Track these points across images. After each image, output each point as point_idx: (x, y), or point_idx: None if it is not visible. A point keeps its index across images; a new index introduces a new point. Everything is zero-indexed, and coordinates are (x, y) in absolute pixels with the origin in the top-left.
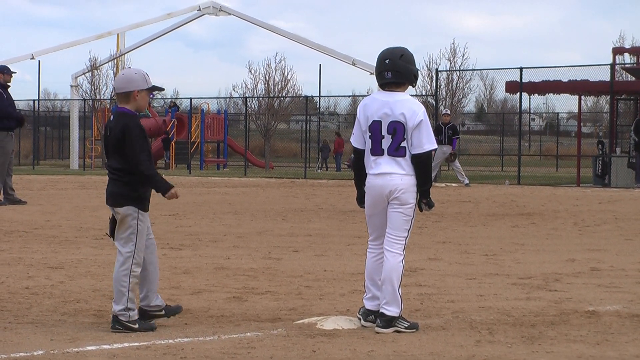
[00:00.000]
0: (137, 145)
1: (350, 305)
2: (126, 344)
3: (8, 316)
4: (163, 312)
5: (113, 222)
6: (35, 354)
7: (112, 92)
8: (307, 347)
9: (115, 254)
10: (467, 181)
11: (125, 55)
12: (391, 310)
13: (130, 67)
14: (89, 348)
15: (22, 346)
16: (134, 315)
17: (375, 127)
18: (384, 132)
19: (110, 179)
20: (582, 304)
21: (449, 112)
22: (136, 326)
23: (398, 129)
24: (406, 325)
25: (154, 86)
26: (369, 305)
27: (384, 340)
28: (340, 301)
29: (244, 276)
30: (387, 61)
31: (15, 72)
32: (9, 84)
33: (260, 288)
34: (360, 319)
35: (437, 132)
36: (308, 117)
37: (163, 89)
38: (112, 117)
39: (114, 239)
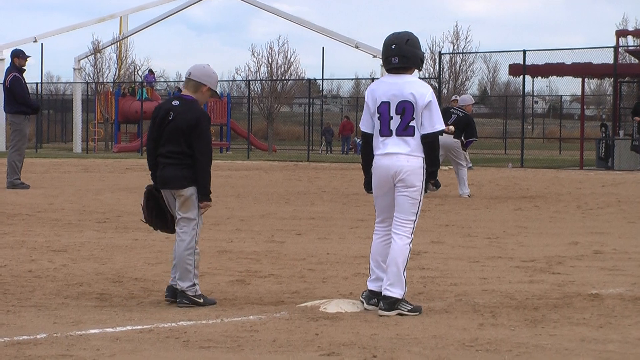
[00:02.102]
0: (208, 137)
1: (354, 289)
2: (129, 327)
3: (11, 299)
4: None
5: (150, 208)
6: (38, 337)
7: (175, 86)
8: (310, 330)
9: (118, 238)
10: (470, 164)
11: (128, 38)
12: (394, 292)
13: (209, 65)
14: (92, 331)
15: (26, 329)
16: (199, 289)
17: (383, 109)
18: (392, 112)
19: (166, 163)
20: (585, 287)
21: (458, 97)
22: (201, 300)
23: (407, 109)
24: (409, 308)
25: (215, 92)
26: (372, 286)
27: (387, 323)
28: (343, 284)
29: (246, 259)
30: (393, 47)
31: (30, 56)
32: (24, 67)
33: (263, 271)
34: (363, 302)
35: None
36: (311, 100)
37: (220, 98)
38: (175, 102)
39: (152, 226)
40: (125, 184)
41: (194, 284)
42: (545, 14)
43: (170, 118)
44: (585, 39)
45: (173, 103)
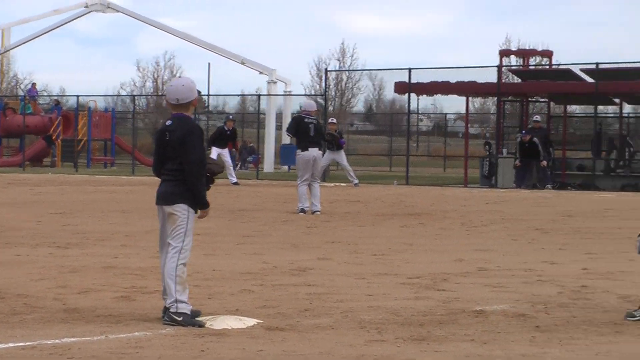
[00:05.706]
0: (199, 147)
1: (240, 305)
2: (11, 344)
3: None
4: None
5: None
6: None
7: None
8: (196, 346)
9: (0, 253)
10: (356, 181)
11: (11, 51)
12: None
13: (181, 77)
14: None
15: None
16: (182, 307)
17: None
18: None
19: (164, 180)
20: (470, 303)
21: (335, 120)
22: (180, 319)
23: None
24: None
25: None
26: None
27: (273, 339)
28: (230, 300)
29: (132, 275)
30: None
31: None
32: None
33: (149, 287)
34: None
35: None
36: (196, 115)
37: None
38: (169, 122)
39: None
40: (6, 199)
41: (176, 300)
42: (431, 33)
43: (167, 138)
44: (470, 58)
45: (167, 123)
